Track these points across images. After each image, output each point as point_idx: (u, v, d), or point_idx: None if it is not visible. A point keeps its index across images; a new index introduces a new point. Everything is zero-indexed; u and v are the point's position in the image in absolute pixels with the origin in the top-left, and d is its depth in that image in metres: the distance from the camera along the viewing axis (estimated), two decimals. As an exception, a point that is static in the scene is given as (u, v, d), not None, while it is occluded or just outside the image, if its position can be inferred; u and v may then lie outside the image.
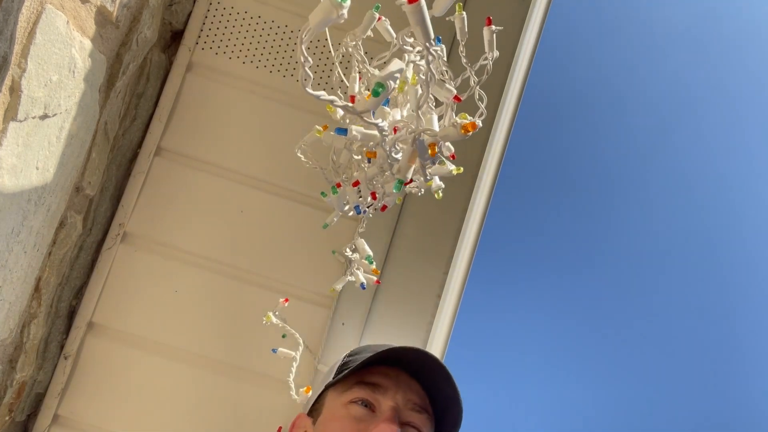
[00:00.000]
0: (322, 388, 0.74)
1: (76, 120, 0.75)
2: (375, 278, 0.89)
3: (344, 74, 0.74)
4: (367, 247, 0.88)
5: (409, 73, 0.63)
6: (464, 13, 0.63)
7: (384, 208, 0.75)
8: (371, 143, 0.62)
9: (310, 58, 0.44)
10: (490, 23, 0.64)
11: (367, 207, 0.75)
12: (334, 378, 0.71)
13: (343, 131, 0.61)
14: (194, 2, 1.00)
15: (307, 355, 0.93)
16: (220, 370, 0.93)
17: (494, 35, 0.65)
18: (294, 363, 0.86)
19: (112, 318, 0.93)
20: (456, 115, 0.58)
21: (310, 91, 0.45)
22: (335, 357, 0.92)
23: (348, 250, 0.89)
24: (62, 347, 0.91)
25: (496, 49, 0.66)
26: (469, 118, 0.54)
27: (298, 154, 0.79)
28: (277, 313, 0.86)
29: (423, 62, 0.54)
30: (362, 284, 0.86)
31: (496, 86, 1.00)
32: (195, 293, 0.94)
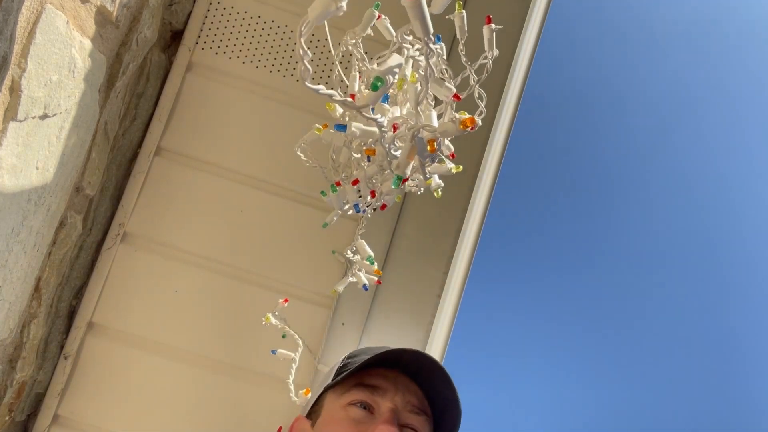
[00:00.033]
0: (321, 390, 0.74)
1: (76, 120, 0.75)
2: (376, 278, 0.89)
3: (344, 74, 0.75)
4: (367, 248, 0.87)
5: (408, 71, 0.63)
6: (464, 11, 0.63)
7: (383, 206, 0.75)
8: (370, 140, 0.62)
9: (309, 52, 0.44)
10: (489, 22, 0.64)
11: (367, 206, 0.75)
12: (332, 380, 0.71)
13: (342, 127, 0.61)
14: (194, 2, 1.00)
15: (307, 355, 0.93)
16: (220, 370, 0.93)
17: (494, 34, 0.65)
18: (293, 364, 0.86)
19: (112, 318, 0.92)
20: (456, 114, 0.58)
21: (310, 85, 0.45)
22: (335, 357, 0.92)
23: (349, 252, 0.89)
24: (62, 347, 0.91)
25: (496, 48, 0.66)
26: (468, 115, 0.54)
27: (298, 153, 0.79)
28: (276, 313, 0.86)
29: (422, 58, 0.54)
30: (365, 285, 0.86)
31: (496, 85, 1.00)
32: (195, 293, 0.94)
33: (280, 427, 0.86)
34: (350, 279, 0.88)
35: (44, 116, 0.67)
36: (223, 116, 0.98)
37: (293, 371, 0.85)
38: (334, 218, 0.83)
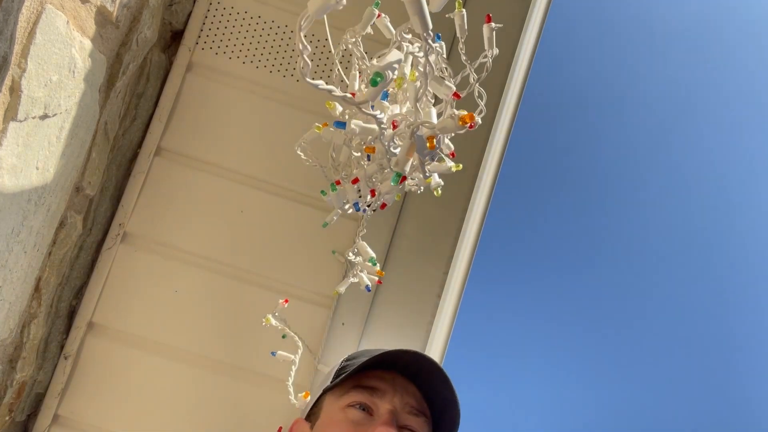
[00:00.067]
0: (320, 392, 0.74)
1: (76, 120, 0.75)
2: (377, 278, 0.89)
3: (345, 74, 0.75)
4: (369, 249, 0.87)
5: (408, 69, 0.63)
6: (464, 10, 0.63)
7: (383, 206, 0.75)
8: (370, 137, 0.62)
9: (308, 46, 0.44)
10: (489, 20, 0.64)
11: (367, 206, 0.75)
12: (331, 382, 0.72)
13: (341, 125, 0.61)
14: (194, 2, 1.00)
15: (307, 355, 0.93)
16: (220, 370, 0.93)
17: (494, 33, 0.65)
18: (293, 366, 0.86)
19: (112, 318, 0.92)
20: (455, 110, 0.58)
21: (309, 80, 0.45)
22: (335, 357, 0.92)
23: (351, 253, 0.89)
24: (62, 347, 0.91)
25: (496, 47, 0.66)
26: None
27: (298, 152, 0.79)
28: (276, 314, 0.86)
29: (422, 54, 0.54)
30: (367, 287, 0.86)
31: (496, 85, 1.00)
32: (195, 293, 0.94)
33: (281, 428, 0.86)
34: (352, 280, 0.88)
35: (44, 116, 0.67)
36: (223, 116, 0.98)
37: (293, 374, 0.85)
38: (334, 218, 0.83)
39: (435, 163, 0.70)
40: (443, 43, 0.66)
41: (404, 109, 0.65)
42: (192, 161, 0.97)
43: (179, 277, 0.94)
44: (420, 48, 0.61)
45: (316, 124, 0.73)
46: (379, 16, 0.66)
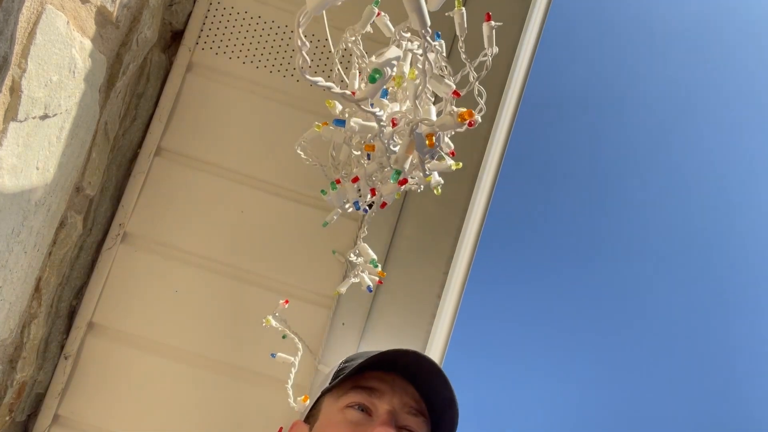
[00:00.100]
0: (319, 393, 0.74)
1: (76, 120, 0.75)
2: (377, 279, 0.89)
3: (344, 74, 0.75)
4: (370, 251, 0.87)
5: (407, 68, 0.63)
6: (463, 8, 0.63)
7: (384, 205, 0.75)
8: (369, 135, 0.62)
9: (307, 42, 0.44)
10: (489, 19, 0.64)
11: (368, 206, 0.75)
12: (330, 383, 0.71)
13: (341, 122, 0.61)
14: (194, 2, 1.00)
15: (307, 355, 0.93)
16: (220, 370, 0.93)
17: (494, 31, 0.65)
18: (293, 368, 0.86)
19: (112, 318, 0.92)
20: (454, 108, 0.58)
21: (308, 76, 0.45)
22: (335, 357, 0.92)
23: (352, 255, 0.89)
24: (62, 347, 0.91)
25: (496, 45, 0.66)
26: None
27: (298, 151, 0.79)
28: (276, 314, 0.86)
29: (421, 51, 0.54)
30: (369, 287, 0.85)
31: (496, 84, 1.00)
32: (195, 293, 0.94)
33: (281, 428, 0.86)
34: (353, 280, 0.88)
35: (44, 116, 0.67)
36: (223, 116, 0.98)
37: (292, 376, 0.85)
38: (335, 217, 0.83)
39: (435, 161, 0.70)
40: (443, 41, 0.66)
41: (404, 107, 0.65)
42: (192, 161, 0.97)
43: (179, 277, 0.94)
44: (419, 46, 0.61)
45: (316, 123, 0.73)
46: (378, 14, 0.66)
